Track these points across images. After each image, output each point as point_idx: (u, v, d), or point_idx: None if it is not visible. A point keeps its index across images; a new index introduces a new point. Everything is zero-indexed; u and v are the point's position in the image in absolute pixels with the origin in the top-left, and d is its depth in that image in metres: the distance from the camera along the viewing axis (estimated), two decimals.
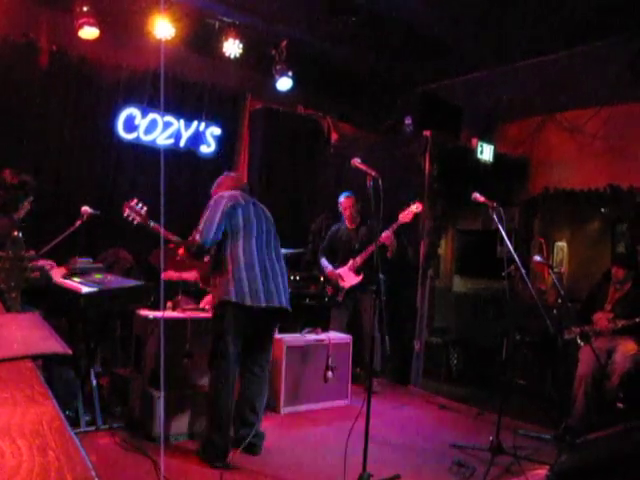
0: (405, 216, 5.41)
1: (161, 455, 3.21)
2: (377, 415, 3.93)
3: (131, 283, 4.21)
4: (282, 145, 7.26)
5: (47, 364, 3.58)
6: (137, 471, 3.39)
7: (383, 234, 5.31)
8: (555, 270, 6.69)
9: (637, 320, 4.61)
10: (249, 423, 3.75)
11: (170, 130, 6.37)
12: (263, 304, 3.64)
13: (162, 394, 3.46)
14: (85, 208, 4.73)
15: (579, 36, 5.61)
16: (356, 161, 3.58)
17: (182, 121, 6.44)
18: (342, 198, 5.84)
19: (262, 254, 3.78)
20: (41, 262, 4.17)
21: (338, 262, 5.81)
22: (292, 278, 6.25)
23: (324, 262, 5.89)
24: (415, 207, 5.42)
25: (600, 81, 5.97)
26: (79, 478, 0.75)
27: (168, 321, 4.11)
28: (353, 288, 5.69)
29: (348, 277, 5.70)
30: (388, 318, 5.67)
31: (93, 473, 0.77)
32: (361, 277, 5.63)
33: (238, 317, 3.62)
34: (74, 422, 3.83)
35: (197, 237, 3.60)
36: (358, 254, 5.65)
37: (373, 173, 3.45)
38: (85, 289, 3.82)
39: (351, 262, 5.69)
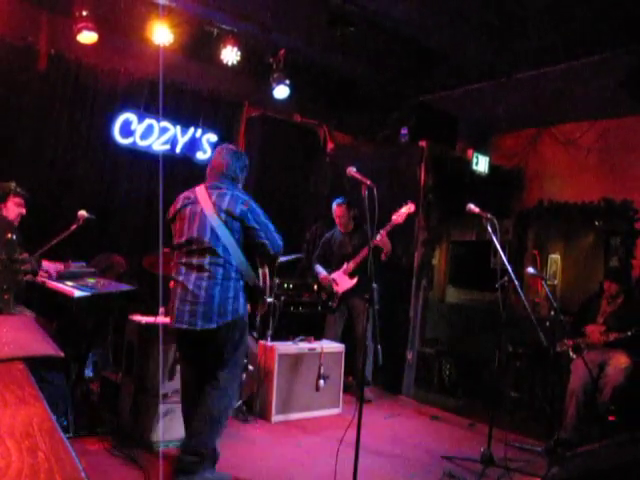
0: (398, 217, 5.43)
1: (160, 463, 3.19)
2: (368, 425, 3.91)
3: (124, 288, 4.20)
4: (278, 153, 7.27)
5: (35, 367, 3.56)
6: (126, 478, 3.37)
7: (378, 235, 5.34)
8: (548, 282, 6.70)
9: (629, 333, 4.63)
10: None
11: (166, 136, 6.37)
12: (184, 326, 3.34)
13: (160, 400, 3.41)
14: (82, 212, 4.73)
15: (575, 50, 5.65)
16: (351, 170, 3.59)
17: (178, 127, 6.45)
18: (334, 205, 5.88)
19: (190, 270, 3.36)
20: (45, 263, 4.18)
21: (332, 268, 5.82)
22: (285, 286, 6.25)
23: (318, 268, 5.89)
24: (407, 207, 5.44)
25: (595, 95, 6.02)
26: (69, 479, 0.75)
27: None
28: (347, 294, 5.68)
29: (342, 281, 5.70)
30: (381, 328, 5.66)
31: (83, 474, 0.76)
32: (355, 280, 5.63)
33: (176, 337, 3.58)
34: (63, 427, 3.80)
35: None
36: (352, 258, 5.65)
37: (368, 182, 3.45)
38: (78, 293, 3.81)
39: (345, 266, 5.69)
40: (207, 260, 3.32)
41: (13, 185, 4.20)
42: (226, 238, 3.32)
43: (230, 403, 3.51)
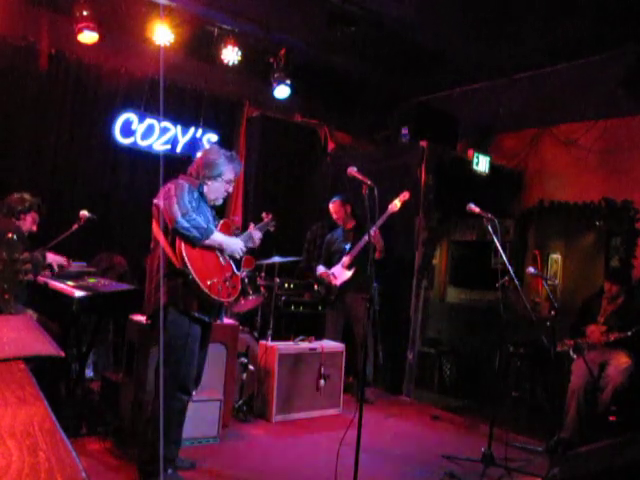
0: (394, 206, 5.42)
1: (160, 464, 3.19)
2: (369, 425, 3.91)
3: (124, 288, 4.20)
4: (279, 153, 7.27)
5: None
6: (125, 478, 3.37)
7: (371, 231, 5.32)
8: (549, 282, 6.69)
9: (629, 333, 4.63)
10: None
11: (167, 136, 6.38)
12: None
13: (162, 403, 3.40)
14: (84, 212, 4.74)
15: (575, 50, 5.66)
16: (352, 170, 3.59)
17: (179, 127, 6.45)
18: (330, 204, 5.91)
19: None
20: (49, 255, 4.19)
21: (334, 264, 5.82)
22: (286, 286, 6.25)
23: (319, 267, 5.91)
24: (402, 196, 5.44)
25: (595, 95, 6.01)
26: (69, 479, 0.75)
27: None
28: (345, 289, 5.68)
29: (340, 274, 5.70)
30: (382, 328, 5.67)
31: (84, 474, 0.76)
32: (353, 271, 5.62)
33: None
34: (63, 427, 3.80)
35: None
36: (349, 252, 5.66)
37: (369, 182, 3.45)
38: (78, 293, 3.81)
39: (343, 259, 5.69)
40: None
41: (38, 201, 4.29)
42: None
43: None
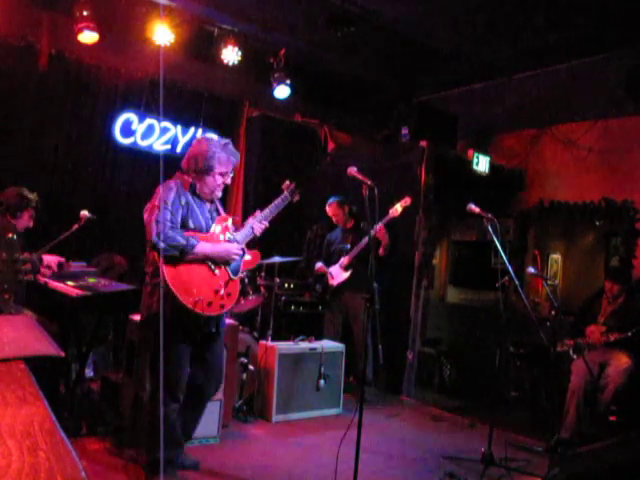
0: (394, 211, 5.43)
1: (160, 463, 3.19)
2: (369, 425, 3.91)
3: (124, 288, 4.19)
4: (279, 153, 7.27)
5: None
6: (125, 478, 3.37)
7: (376, 227, 5.28)
8: (549, 282, 6.70)
9: (629, 334, 4.63)
10: None
11: (167, 136, 6.38)
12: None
13: (161, 402, 3.40)
14: (84, 212, 4.74)
15: (575, 50, 5.66)
16: (352, 170, 3.58)
17: (179, 127, 6.45)
18: (326, 206, 5.93)
19: None
20: (45, 258, 4.18)
21: (332, 263, 5.82)
22: (286, 286, 6.25)
23: (317, 263, 5.95)
24: (404, 201, 5.45)
25: (595, 95, 6.02)
26: (69, 479, 0.75)
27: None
28: (342, 289, 5.69)
29: (337, 274, 5.71)
30: (382, 327, 5.66)
31: (83, 474, 0.76)
32: (349, 273, 5.63)
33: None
34: (63, 427, 3.80)
35: None
36: (349, 253, 5.67)
37: (369, 182, 3.45)
38: (78, 293, 3.81)
39: (342, 260, 5.69)
40: None
41: (35, 198, 4.33)
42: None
43: None
